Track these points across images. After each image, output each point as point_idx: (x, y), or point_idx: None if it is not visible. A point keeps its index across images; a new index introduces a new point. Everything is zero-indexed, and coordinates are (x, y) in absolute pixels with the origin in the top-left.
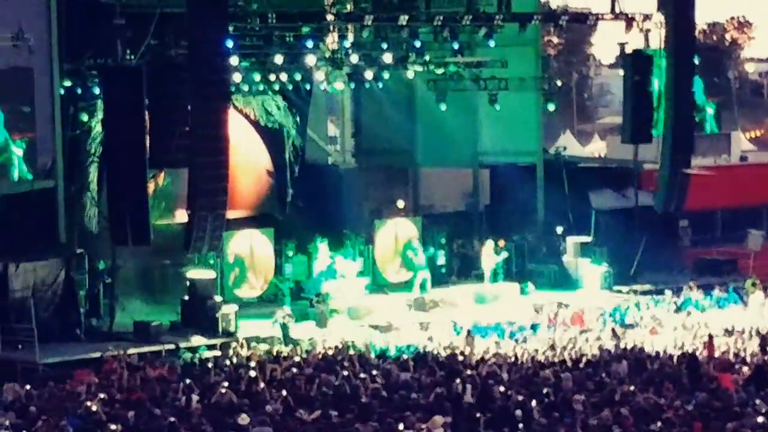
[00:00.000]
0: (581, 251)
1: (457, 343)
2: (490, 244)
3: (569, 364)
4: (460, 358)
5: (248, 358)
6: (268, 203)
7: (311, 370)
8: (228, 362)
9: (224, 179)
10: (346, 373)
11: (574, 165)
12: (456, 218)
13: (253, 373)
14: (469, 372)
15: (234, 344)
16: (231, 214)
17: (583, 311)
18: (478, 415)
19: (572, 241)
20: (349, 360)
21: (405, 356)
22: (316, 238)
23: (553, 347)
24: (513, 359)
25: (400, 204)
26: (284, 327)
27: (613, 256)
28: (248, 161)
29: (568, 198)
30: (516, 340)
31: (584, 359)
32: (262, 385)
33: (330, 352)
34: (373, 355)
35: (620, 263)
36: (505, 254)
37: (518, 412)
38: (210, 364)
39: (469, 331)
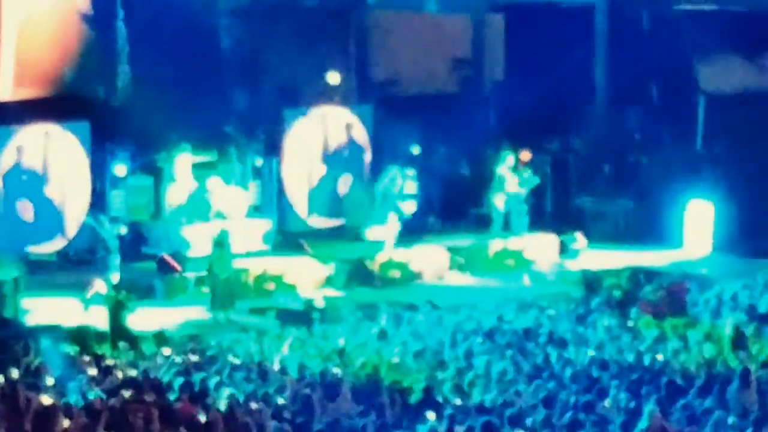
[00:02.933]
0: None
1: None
2: (508, 158)
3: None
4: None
5: (33, 371)
6: (80, 75)
7: (153, 398)
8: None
9: None
10: (223, 406)
11: (666, 7)
12: (440, 107)
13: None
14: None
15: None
16: (8, 95)
17: (682, 285)
18: None
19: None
20: (229, 376)
21: (335, 372)
22: (176, 143)
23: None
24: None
25: (333, 79)
26: (114, 307)
27: (740, 183)
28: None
29: (654, 70)
30: (551, 339)
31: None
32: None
33: (193, 359)
34: (275, 368)
35: (754, 200)
36: (533, 180)
37: None
38: None
39: None
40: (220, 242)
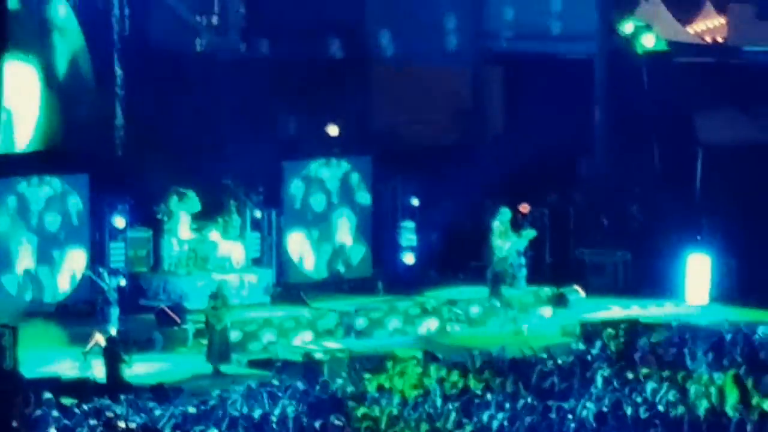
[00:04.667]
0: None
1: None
2: (506, 212)
3: None
4: None
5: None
6: (78, 129)
7: None
8: None
9: None
10: None
11: (665, 60)
12: (439, 159)
13: None
14: None
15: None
16: (7, 147)
17: (681, 337)
18: None
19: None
20: (228, 428)
21: (336, 425)
22: (175, 196)
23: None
24: None
25: (333, 131)
26: (112, 360)
27: (738, 235)
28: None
29: (652, 123)
30: (550, 391)
31: None
32: None
33: (192, 411)
34: (274, 420)
35: (752, 252)
36: (530, 233)
37: None
38: None
39: None
40: (216, 294)
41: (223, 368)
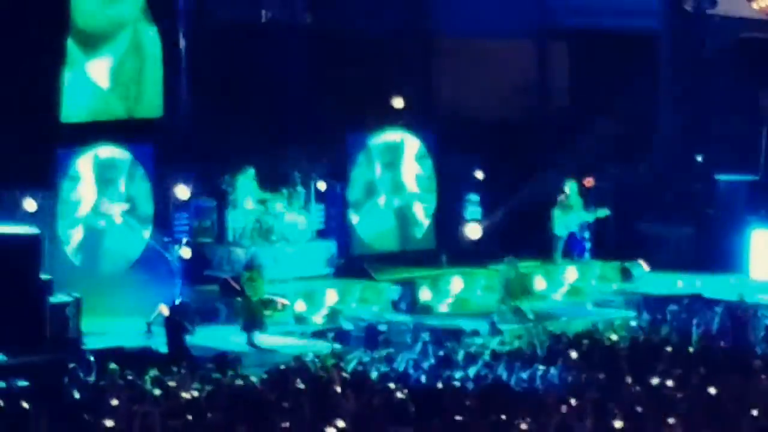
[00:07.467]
0: (746, 199)
1: None
2: (570, 185)
3: None
4: None
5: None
6: (141, 99)
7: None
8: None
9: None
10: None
11: (731, 34)
12: (503, 133)
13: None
14: None
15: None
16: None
17: (744, 312)
18: None
19: (728, 181)
20: (294, 399)
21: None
22: (239, 167)
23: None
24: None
25: (398, 103)
26: (175, 330)
27: None
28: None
29: (717, 98)
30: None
31: None
32: None
33: (256, 382)
34: (337, 390)
35: None
36: (602, 212)
37: None
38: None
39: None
40: (251, 265)
41: (283, 340)
